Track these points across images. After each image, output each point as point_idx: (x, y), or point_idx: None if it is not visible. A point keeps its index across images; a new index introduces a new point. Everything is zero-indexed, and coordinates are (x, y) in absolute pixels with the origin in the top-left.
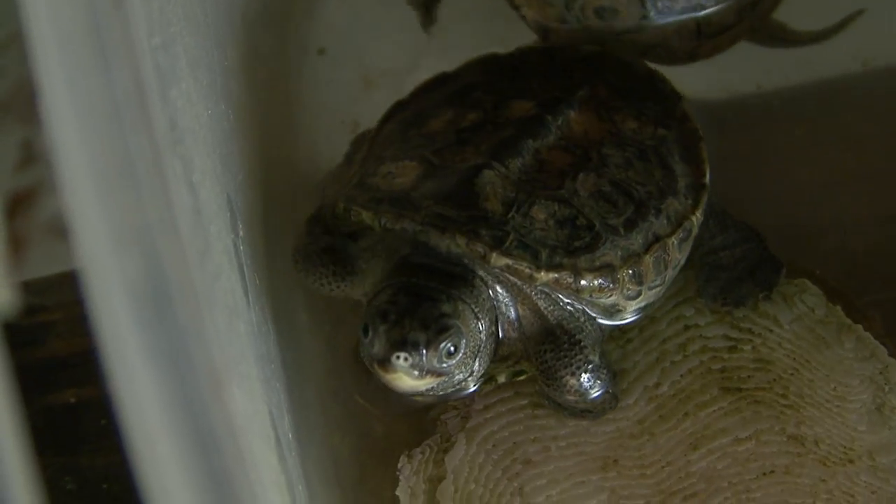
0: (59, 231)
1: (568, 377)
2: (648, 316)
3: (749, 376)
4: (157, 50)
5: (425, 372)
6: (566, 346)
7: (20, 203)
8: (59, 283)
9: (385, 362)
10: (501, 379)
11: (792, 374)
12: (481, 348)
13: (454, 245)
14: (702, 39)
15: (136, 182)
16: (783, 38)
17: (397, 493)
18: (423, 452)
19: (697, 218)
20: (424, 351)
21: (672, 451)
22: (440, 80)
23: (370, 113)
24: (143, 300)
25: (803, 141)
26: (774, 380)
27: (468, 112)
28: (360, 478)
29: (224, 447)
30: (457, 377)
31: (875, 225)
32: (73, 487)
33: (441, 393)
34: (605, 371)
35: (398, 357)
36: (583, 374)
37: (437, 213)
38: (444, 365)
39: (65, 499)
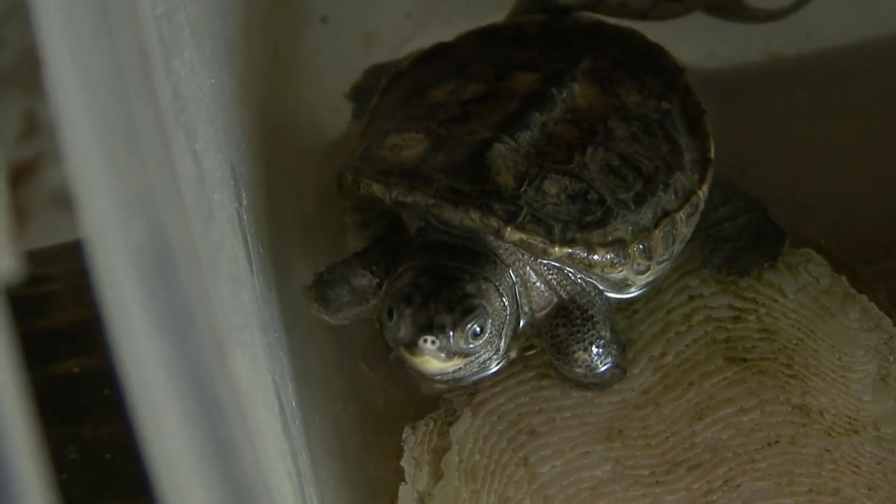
0: (62, 202)
1: (580, 352)
2: (654, 286)
3: (754, 346)
4: (160, 19)
5: (453, 354)
6: (578, 320)
7: (22, 174)
8: (62, 253)
9: (412, 346)
10: (513, 355)
11: (797, 344)
12: (505, 326)
13: (468, 219)
14: (658, 1)
15: (139, 150)
16: (738, 13)
17: (402, 463)
18: (426, 425)
19: (704, 193)
20: (451, 333)
21: (677, 421)
22: (438, 51)
23: None
24: (148, 267)
25: (806, 111)
26: (779, 350)
27: (470, 83)
28: (363, 447)
29: (229, 415)
30: (483, 357)
31: (879, 194)
32: (76, 457)
33: (466, 374)
34: (615, 345)
35: (425, 340)
36: (594, 349)
37: (450, 187)
38: (472, 345)
39: (68, 468)
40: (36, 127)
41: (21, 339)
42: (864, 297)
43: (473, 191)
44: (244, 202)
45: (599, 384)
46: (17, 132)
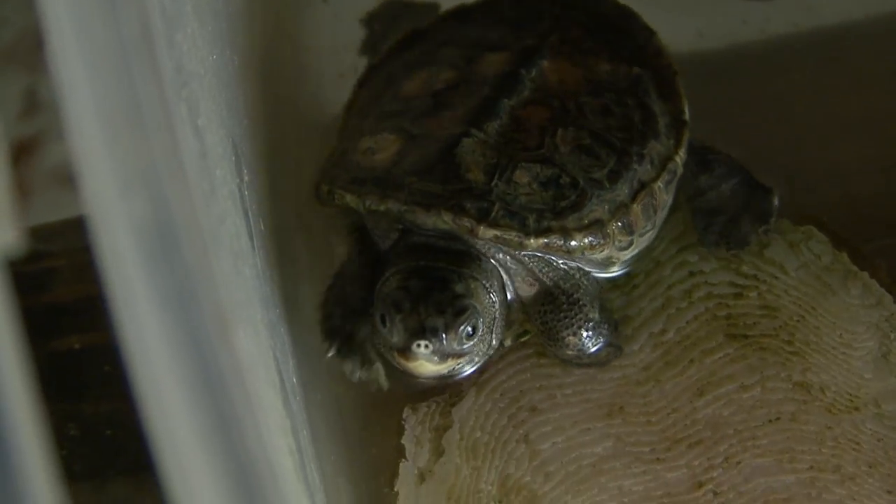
0: (63, 179)
1: (569, 336)
2: (654, 260)
3: (755, 323)
4: None
5: (446, 356)
6: (565, 306)
7: (24, 151)
8: (64, 229)
9: (406, 351)
10: (508, 342)
11: (798, 321)
12: (496, 321)
13: (441, 222)
14: None
15: (142, 124)
16: None
17: (403, 440)
18: (429, 406)
19: (681, 157)
20: (444, 335)
21: (678, 397)
22: (411, 38)
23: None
24: (150, 241)
25: (806, 86)
26: (780, 327)
27: (442, 71)
28: (364, 424)
29: (231, 390)
30: (476, 355)
31: (880, 171)
32: (76, 433)
33: (460, 373)
34: (605, 326)
35: (418, 345)
36: (583, 332)
37: (421, 190)
38: (465, 346)
39: (68, 445)
40: (38, 104)
41: (23, 314)
42: (866, 273)
43: (444, 192)
44: (245, 178)
45: (596, 363)
46: (18, 109)
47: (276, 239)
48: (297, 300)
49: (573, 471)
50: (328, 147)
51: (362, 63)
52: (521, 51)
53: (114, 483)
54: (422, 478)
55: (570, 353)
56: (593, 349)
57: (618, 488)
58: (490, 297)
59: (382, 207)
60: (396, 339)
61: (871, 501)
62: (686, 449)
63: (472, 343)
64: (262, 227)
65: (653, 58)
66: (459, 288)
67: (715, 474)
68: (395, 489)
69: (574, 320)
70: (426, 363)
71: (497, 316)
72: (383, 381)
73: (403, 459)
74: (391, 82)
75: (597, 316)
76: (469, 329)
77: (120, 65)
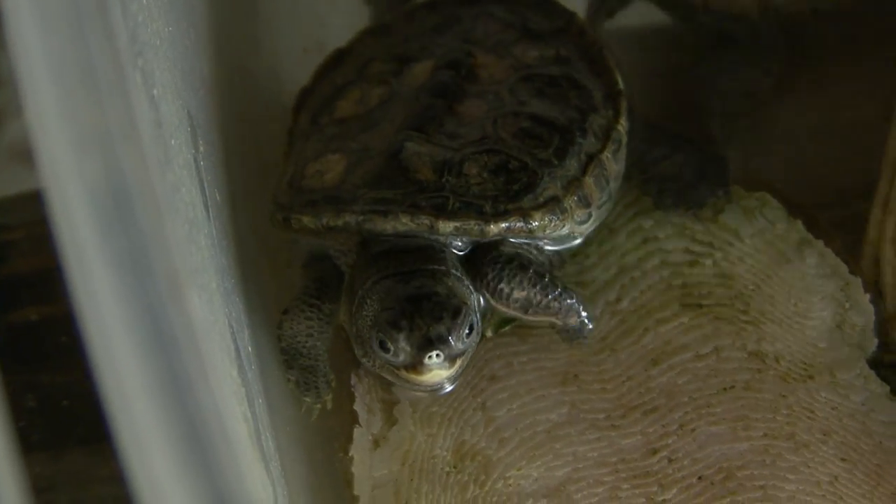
0: (21, 154)
1: (510, 291)
2: (607, 227)
3: (710, 292)
4: None
5: (454, 358)
6: (501, 263)
7: None
8: (21, 202)
9: (418, 366)
10: (489, 333)
11: (753, 290)
12: (478, 307)
13: (399, 225)
14: None
15: (97, 90)
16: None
17: (355, 407)
18: (370, 378)
19: (623, 125)
20: (451, 339)
21: (633, 366)
22: (338, 58)
23: (336, 35)
24: (104, 205)
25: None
26: (735, 296)
27: (373, 88)
28: None
29: (185, 355)
30: (472, 350)
31: (831, 139)
32: (34, 405)
33: (458, 374)
34: (550, 281)
35: (430, 357)
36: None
37: (375, 198)
38: (467, 344)
39: (26, 416)
40: None
41: None
42: (821, 242)
43: (397, 195)
44: (201, 149)
45: (572, 331)
46: None
47: (232, 210)
48: (254, 271)
49: (528, 437)
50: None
51: (327, 38)
52: (445, 54)
53: (71, 453)
54: (376, 443)
55: (513, 308)
56: (542, 298)
57: (572, 454)
58: (464, 286)
59: (340, 222)
60: (404, 357)
61: (824, 469)
62: (641, 416)
63: (472, 339)
64: (218, 198)
65: (577, 37)
66: (441, 289)
67: (669, 441)
68: (350, 454)
69: (511, 272)
70: (439, 371)
71: (475, 302)
72: (328, 405)
73: (357, 425)
74: (326, 104)
75: (540, 275)
76: (468, 326)
77: (75, 30)
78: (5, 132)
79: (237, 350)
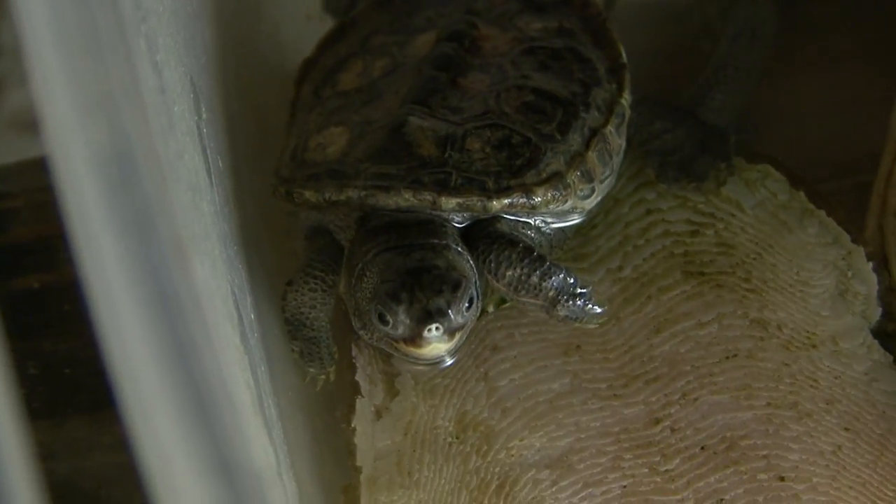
0: (20, 124)
1: (508, 271)
2: (613, 198)
3: (712, 260)
4: None
5: (453, 332)
6: (493, 239)
7: None
8: (22, 170)
9: (417, 339)
10: (490, 309)
11: (755, 259)
12: (477, 281)
13: (402, 200)
14: None
15: (101, 54)
16: None
17: (356, 378)
18: (369, 348)
19: (626, 99)
20: (451, 313)
21: (635, 335)
22: (341, 30)
23: None
24: (109, 170)
25: None
26: (737, 264)
27: (376, 59)
28: None
29: (190, 320)
30: (471, 324)
31: (834, 113)
32: (35, 372)
33: (457, 348)
34: (538, 257)
35: (429, 330)
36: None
37: (377, 173)
38: (466, 317)
39: (28, 383)
40: None
41: None
42: (822, 212)
43: (400, 171)
44: (204, 116)
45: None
46: None
47: (234, 177)
48: (256, 238)
49: (530, 407)
50: (288, 92)
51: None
52: (448, 25)
53: (72, 421)
54: (378, 414)
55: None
56: (539, 281)
57: (574, 424)
58: (464, 259)
59: (343, 197)
60: (403, 330)
61: (827, 438)
62: (643, 385)
63: (471, 312)
64: (221, 165)
65: (581, 9)
66: (441, 262)
67: (672, 411)
68: (353, 425)
69: (511, 255)
70: (438, 344)
71: (476, 277)
72: (331, 377)
73: (359, 396)
74: (328, 76)
75: (525, 246)
76: (468, 300)
77: None
78: (5, 102)
79: (240, 317)
